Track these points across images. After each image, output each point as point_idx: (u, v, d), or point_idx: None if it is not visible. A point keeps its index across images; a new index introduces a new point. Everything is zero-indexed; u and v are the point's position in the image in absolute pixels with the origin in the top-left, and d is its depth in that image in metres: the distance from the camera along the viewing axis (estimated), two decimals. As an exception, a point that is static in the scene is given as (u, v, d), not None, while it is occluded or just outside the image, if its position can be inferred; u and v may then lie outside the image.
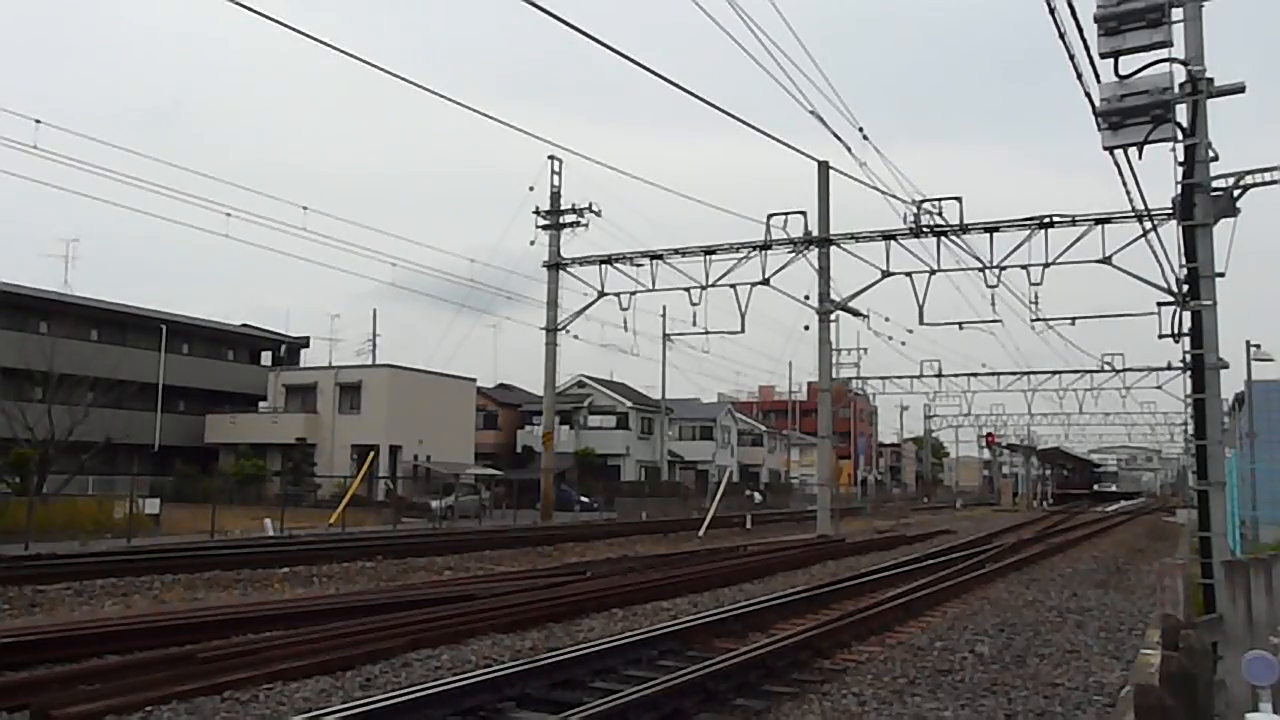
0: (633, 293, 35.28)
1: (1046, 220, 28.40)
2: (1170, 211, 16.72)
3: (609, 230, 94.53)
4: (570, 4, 12.47)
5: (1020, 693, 9.04)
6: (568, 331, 39.62)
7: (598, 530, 32.89)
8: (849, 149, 22.29)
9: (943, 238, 29.82)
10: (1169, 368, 48.87)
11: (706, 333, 34.15)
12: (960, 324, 33.06)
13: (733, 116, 15.98)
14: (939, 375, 54.52)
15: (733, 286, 32.91)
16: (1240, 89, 12.79)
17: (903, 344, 43.42)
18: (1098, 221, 27.61)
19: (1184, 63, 12.41)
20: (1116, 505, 75.11)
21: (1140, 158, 13.45)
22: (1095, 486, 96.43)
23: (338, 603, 13.41)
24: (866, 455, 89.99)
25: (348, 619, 11.80)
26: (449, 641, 10.80)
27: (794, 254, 32.58)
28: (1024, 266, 28.78)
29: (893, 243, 30.96)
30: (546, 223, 39.34)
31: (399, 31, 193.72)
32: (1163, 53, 12.29)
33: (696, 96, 14.43)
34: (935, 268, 30.20)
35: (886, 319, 40.57)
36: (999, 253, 29.07)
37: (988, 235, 29.26)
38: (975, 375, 57.11)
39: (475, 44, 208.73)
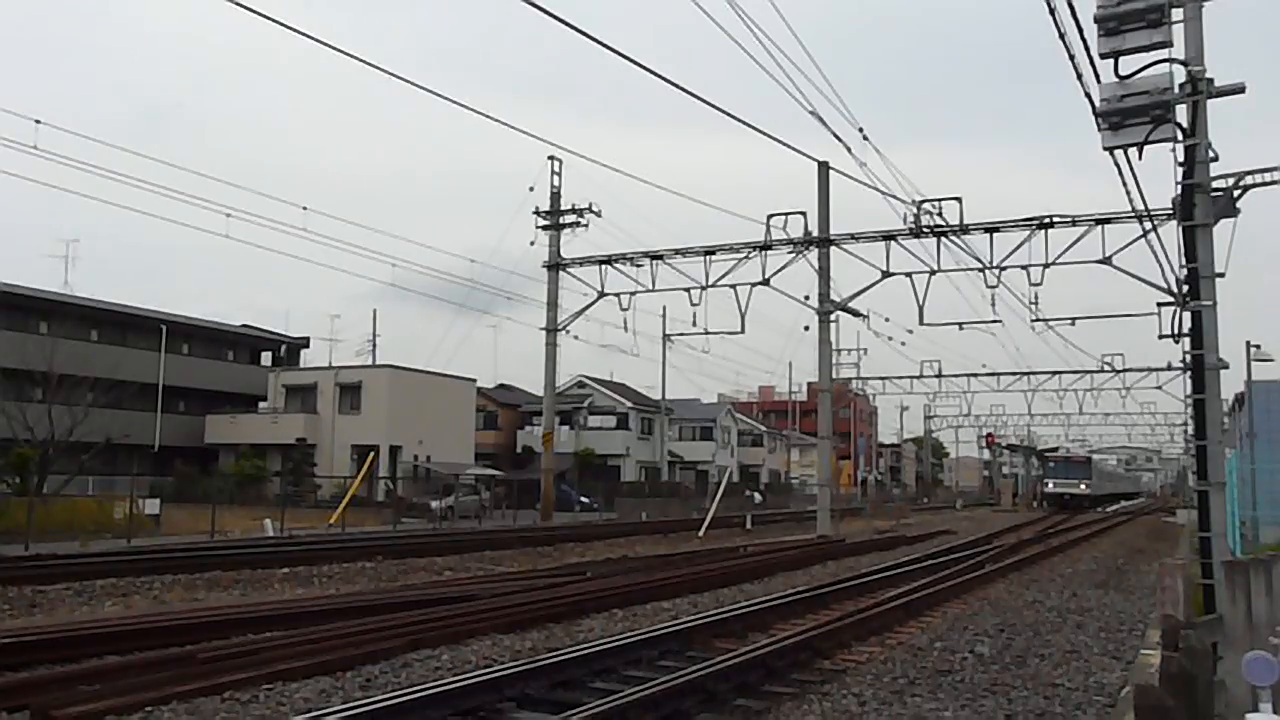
0: (633, 293, 35.35)
1: (1046, 221, 28.39)
2: (1170, 212, 16.74)
3: (609, 230, 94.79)
4: (570, 4, 12.48)
5: (1020, 693, 9.04)
6: (568, 332, 39.68)
7: (598, 530, 32.90)
8: (849, 149, 22.32)
9: (943, 238, 29.82)
10: (1169, 368, 48.87)
11: (706, 333, 34.20)
12: (960, 324, 33.15)
13: (733, 117, 16.02)
14: (939, 375, 54.54)
15: (733, 287, 32.95)
16: (1240, 89, 12.77)
17: (903, 344, 43.47)
18: (1098, 222, 27.62)
19: (1184, 63, 12.40)
20: (1114, 508, 69.52)
21: (1140, 158, 13.45)
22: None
23: (338, 603, 13.42)
24: (866, 455, 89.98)
25: (348, 619, 11.80)
26: (449, 642, 10.81)
27: (794, 254, 32.59)
28: (1024, 267, 28.81)
29: (893, 243, 30.96)
30: (546, 223, 39.33)
31: (399, 32, 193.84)
32: (1163, 53, 12.27)
33: (696, 97, 14.45)
34: (935, 268, 30.21)
35: (886, 319, 40.60)
36: (999, 253, 29.13)
37: (988, 236, 29.28)
38: (975, 375, 57.13)
39: (475, 44, 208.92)
